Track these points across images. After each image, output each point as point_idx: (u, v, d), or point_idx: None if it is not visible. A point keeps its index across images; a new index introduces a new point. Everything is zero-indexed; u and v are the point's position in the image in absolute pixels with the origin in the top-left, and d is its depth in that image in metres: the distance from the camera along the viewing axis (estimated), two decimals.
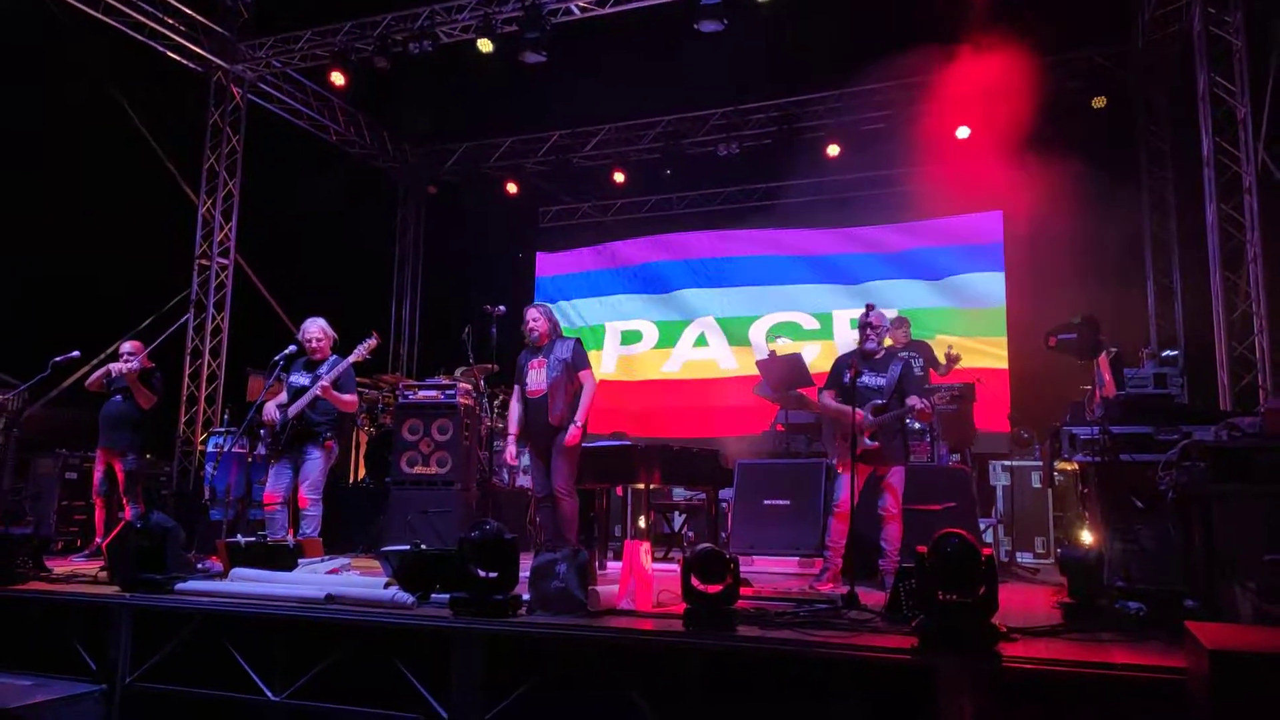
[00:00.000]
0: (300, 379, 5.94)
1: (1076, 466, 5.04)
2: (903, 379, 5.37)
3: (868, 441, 5.27)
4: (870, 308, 5.51)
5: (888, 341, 5.96)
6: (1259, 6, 6.63)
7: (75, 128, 8.63)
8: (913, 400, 5.28)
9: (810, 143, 10.52)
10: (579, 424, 5.49)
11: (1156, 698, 2.89)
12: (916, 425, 6.33)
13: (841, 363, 5.66)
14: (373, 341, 6.06)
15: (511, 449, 5.71)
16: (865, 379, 5.41)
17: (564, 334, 5.84)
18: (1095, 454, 4.43)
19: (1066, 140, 9.21)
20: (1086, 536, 4.91)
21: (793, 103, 10.60)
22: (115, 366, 6.85)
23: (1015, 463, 7.72)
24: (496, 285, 11.23)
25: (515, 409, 5.70)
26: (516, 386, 5.74)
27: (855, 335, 5.29)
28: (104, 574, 4.97)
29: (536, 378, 5.60)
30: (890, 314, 7.11)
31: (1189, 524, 3.94)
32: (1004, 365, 10.03)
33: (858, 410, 5.16)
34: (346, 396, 5.98)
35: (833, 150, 10.31)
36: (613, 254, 12.41)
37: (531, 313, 5.73)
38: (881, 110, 10.29)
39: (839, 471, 5.49)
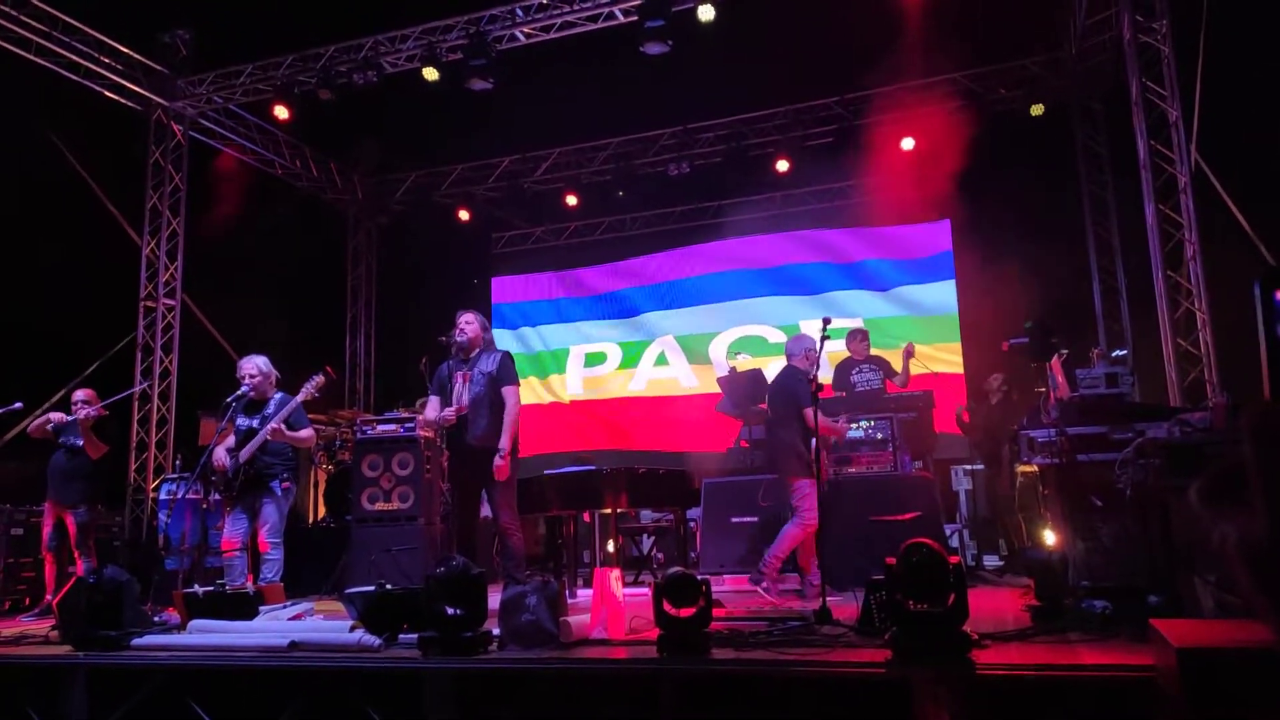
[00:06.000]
0: (246, 421, 5.78)
1: (1036, 469, 5.11)
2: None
3: None
4: (827, 321, 5.49)
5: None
6: (1184, 14, 6.86)
7: (10, 170, 8.39)
8: None
9: (759, 159, 10.64)
10: (505, 452, 4.99)
11: (1128, 696, 2.92)
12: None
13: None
14: (320, 379, 5.86)
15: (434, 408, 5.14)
16: None
17: (498, 348, 5.42)
18: (1053, 456, 4.50)
19: (1008, 147, 9.43)
20: (1049, 537, 4.97)
21: (740, 120, 10.71)
22: (55, 416, 6.66)
23: (976, 467, 7.82)
24: (452, 314, 11.09)
25: (431, 414, 5.21)
26: (435, 398, 5.23)
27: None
28: (55, 633, 4.78)
29: (460, 391, 5.12)
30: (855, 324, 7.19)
31: (1147, 520, 4.01)
32: (960, 370, 10.18)
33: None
34: (302, 434, 5.83)
35: (782, 166, 10.43)
36: (573, 281, 12.40)
37: (464, 317, 5.30)
38: (828, 125, 10.44)
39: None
